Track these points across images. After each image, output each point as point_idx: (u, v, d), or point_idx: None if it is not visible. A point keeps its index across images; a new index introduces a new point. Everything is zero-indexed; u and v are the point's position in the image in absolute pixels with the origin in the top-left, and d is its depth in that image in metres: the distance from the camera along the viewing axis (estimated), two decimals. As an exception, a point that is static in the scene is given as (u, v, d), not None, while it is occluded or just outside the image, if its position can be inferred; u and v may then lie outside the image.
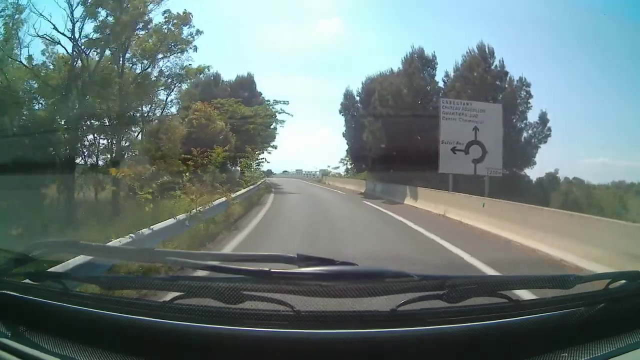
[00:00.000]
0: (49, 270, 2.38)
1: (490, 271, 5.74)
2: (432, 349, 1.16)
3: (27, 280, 1.44)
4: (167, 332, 1.18)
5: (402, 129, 21.37)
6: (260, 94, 33.39)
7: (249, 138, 24.71)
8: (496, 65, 22.37)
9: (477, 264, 6.25)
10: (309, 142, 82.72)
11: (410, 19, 47.39)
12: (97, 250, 2.48)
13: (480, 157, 17.05)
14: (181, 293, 1.29)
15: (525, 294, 1.88)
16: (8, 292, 1.34)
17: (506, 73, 22.31)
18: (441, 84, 23.92)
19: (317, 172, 59.09)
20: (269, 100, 31.30)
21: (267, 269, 1.22)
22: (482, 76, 21.74)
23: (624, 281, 1.41)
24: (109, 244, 4.11)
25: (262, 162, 28.34)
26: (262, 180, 26.20)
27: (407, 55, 23.77)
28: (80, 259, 3.07)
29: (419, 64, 23.25)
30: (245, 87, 32.88)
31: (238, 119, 25.99)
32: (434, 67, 23.94)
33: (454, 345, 1.17)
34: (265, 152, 34.44)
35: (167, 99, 21.85)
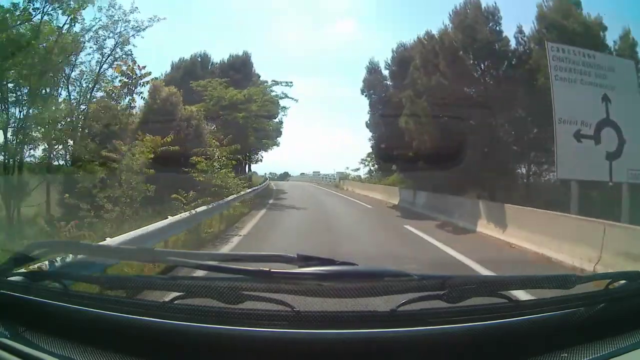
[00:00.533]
0: (49, 270, 2.39)
1: (489, 272, 5.74)
2: (432, 349, 1.16)
3: (27, 280, 1.44)
4: (167, 332, 1.18)
5: (460, 109, 13.86)
6: (259, 76, 25.62)
7: (238, 131, 17.11)
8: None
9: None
10: (328, 144, 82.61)
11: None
12: (97, 250, 2.49)
13: (617, 148, 9.73)
14: (181, 293, 1.29)
15: (525, 294, 1.88)
16: (8, 292, 1.34)
17: (605, 27, 13.97)
18: (513, 43, 15.11)
19: (335, 175, 54.43)
20: (266, 82, 23.41)
21: (267, 269, 1.23)
22: (584, 24, 13.49)
23: (624, 281, 1.42)
24: (109, 244, 4.11)
25: (228, 162, 12.67)
26: (245, 192, 15.50)
27: (456, 8, 15.29)
28: (80, 258, 3.07)
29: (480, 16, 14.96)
30: (238, 68, 25.22)
31: (224, 105, 19.72)
32: (497, 22, 15.02)
33: (454, 346, 1.17)
34: (264, 150, 28.83)
35: (99, 68, 14.18)
